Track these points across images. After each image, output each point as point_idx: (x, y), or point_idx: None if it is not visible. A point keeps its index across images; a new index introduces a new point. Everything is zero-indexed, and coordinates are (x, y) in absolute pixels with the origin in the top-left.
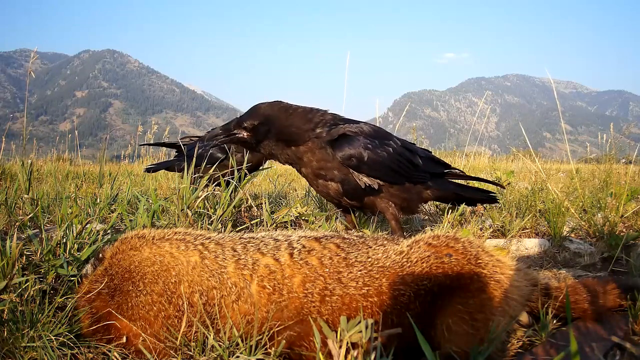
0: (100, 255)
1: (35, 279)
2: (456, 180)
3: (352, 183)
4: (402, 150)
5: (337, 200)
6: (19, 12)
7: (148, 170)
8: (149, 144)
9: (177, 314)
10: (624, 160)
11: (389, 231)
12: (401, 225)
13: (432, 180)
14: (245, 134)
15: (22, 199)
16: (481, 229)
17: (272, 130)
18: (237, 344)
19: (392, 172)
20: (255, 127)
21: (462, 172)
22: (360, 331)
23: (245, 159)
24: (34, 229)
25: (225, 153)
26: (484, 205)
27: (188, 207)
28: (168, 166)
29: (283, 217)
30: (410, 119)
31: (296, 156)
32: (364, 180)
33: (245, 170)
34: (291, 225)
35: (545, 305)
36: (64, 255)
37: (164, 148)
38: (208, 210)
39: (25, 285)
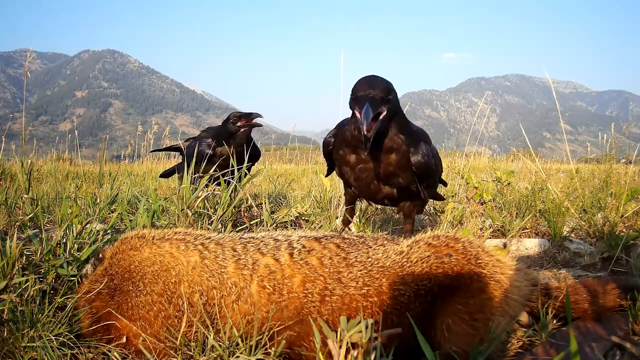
0: (100, 255)
1: (35, 279)
2: None
3: (410, 191)
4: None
5: (374, 200)
6: (19, 12)
7: (163, 175)
8: (159, 150)
9: (177, 314)
10: (624, 160)
11: (388, 231)
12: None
13: None
14: (384, 109)
15: (22, 199)
16: (481, 229)
17: (395, 110)
18: (237, 344)
19: (435, 181)
20: (393, 102)
21: None
22: (360, 331)
23: (246, 158)
24: (34, 229)
25: (213, 149)
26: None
27: (188, 207)
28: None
29: (283, 217)
30: (410, 119)
31: (394, 149)
32: (421, 189)
33: (245, 170)
34: (291, 225)
35: (545, 305)
36: (64, 255)
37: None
38: (208, 210)
39: (25, 285)
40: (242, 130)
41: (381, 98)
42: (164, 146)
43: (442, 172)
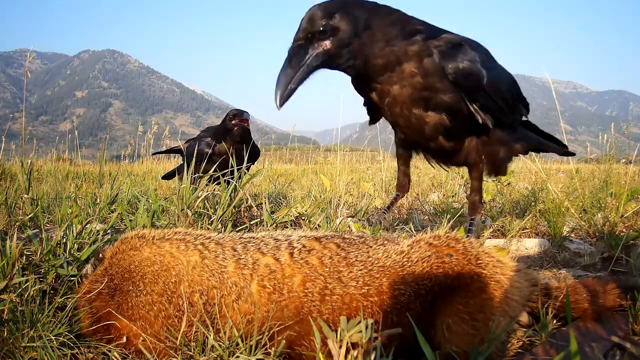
0: (100, 255)
1: (35, 279)
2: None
3: (462, 115)
4: (512, 78)
5: (424, 140)
6: (19, 12)
7: (165, 177)
8: (160, 152)
9: (177, 313)
10: (624, 160)
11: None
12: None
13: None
14: (327, 42)
15: (22, 199)
16: (481, 229)
17: (361, 24)
18: (237, 344)
19: (507, 107)
20: (336, 26)
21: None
22: (360, 331)
23: (246, 158)
24: (34, 229)
25: (212, 148)
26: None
27: (188, 207)
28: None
29: (283, 217)
30: None
31: (395, 61)
32: (479, 113)
33: (245, 170)
34: (291, 225)
35: (545, 305)
36: (64, 255)
37: (164, 148)
38: (208, 210)
39: (25, 285)
40: (235, 128)
41: (311, 34)
42: (164, 146)
43: (516, 97)
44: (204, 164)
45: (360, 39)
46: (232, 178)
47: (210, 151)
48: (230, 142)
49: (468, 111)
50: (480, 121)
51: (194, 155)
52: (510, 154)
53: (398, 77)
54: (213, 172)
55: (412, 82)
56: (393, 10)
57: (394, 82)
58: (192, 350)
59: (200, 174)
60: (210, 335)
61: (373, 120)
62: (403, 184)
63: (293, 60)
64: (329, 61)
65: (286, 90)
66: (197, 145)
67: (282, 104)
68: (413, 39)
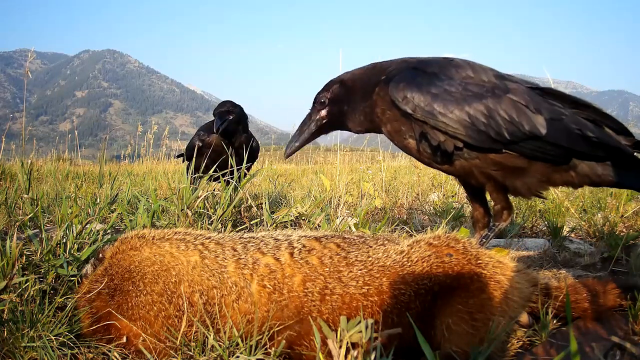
0: (100, 255)
1: (35, 279)
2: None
3: (429, 139)
4: (511, 102)
5: (427, 161)
6: (19, 12)
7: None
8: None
9: (177, 313)
10: None
11: (389, 231)
12: (507, 204)
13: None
14: (323, 111)
15: (22, 199)
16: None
17: (348, 91)
18: (237, 344)
19: (478, 133)
20: (331, 98)
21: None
22: (360, 331)
23: (245, 157)
24: (34, 229)
25: (202, 141)
26: None
27: (188, 207)
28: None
29: (283, 217)
30: None
31: (371, 111)
32: (438, 136)
33: (245, 170)
34: (291, 225)
35: (545, 305)
36: (64, 255)
37: (164, 148)
38: (208, 210)
39: (25, 285)
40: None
41: (317, 103)
42: (164, 146)
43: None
44: (198, 157)
45: (349, 105)
46: (230, 168)
47: (200, 144)
48: (220, 135)
49: (430, 134)
50: (434, 143)
51: (188, 151)
52: (535, 178)
53: (380, 120)
54: (210, 164)
55: (386, 118)
56: (375, 65)
57: (382, 123)
58: (192, 350)
59: (200, 174)
60: (210, 335)
61: None
62: (476, 215)
63: (302, 123)
64: (327, 126)
65: (291, 148)
66: (189, 141)
67: (286, 157)
68: (378, 87)
